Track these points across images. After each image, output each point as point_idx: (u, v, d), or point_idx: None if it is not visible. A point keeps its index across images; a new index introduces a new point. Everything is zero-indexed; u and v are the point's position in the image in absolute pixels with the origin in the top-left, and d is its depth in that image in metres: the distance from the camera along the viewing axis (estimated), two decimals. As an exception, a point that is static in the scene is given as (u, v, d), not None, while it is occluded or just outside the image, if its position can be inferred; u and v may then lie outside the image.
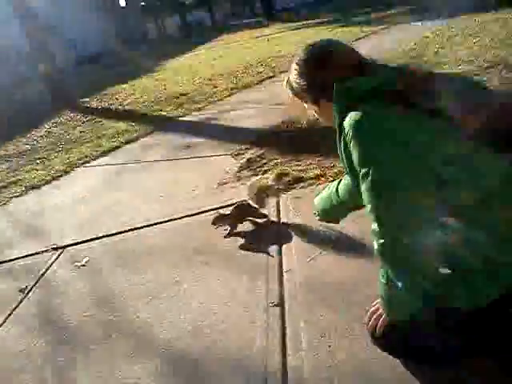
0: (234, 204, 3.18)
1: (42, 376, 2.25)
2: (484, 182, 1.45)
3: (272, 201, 3.26)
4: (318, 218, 2.23)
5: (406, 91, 1.47)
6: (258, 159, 4.13)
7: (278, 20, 22.62)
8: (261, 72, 7.78)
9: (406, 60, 5.88)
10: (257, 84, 7.15)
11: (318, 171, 3.50)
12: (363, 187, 1.45)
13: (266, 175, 3.69)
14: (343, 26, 11.25)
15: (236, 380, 1.89)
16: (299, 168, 3.67)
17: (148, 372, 2.08)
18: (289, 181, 3.51)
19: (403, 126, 1.43)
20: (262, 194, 3.02)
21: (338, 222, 2.24)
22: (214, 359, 2.04)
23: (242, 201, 3.10)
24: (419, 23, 9.72)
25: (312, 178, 3.45)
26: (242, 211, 3.01)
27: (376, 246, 1.47)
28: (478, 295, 1.48)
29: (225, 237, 2.96)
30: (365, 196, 1.46)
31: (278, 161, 3.93)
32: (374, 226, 1.46)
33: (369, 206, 1.45)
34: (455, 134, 1.42)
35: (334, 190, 2.05)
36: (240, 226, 3.00)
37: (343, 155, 1.54)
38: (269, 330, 2.11)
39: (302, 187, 3.38)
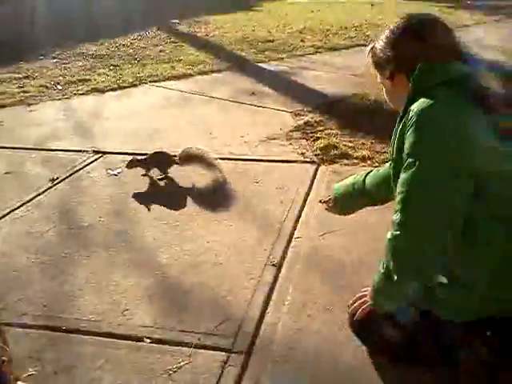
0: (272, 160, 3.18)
1: (44, 259, 2.39)
2: None
3: (311, 169, 3.22)
4: (326, 205, 2.14)
5: (489, 93, 1.40)
6: (315, 124, 4.04)
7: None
8: (352, 37, 7.49)
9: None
10: (344, 49, 6.89)
11: (367, 153, 3.40)
12: (404, 176, 1.40)
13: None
14: (455, 8, 10.53)
15: (213, 319, 1.94)
16: (350, 145, 3.58)
17: (139, 287, 2.16)
18: (335, 154, 3.44)
19: (467, 130, 1.35)
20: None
21: (347, 214, 2.17)
22: (201, 294, 2.10)
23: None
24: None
25: (358, 158, 3.35)
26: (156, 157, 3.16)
27: (389, 236, 1.45)
28: (467, 312, 1.45)
29: (142, 175, 3.16)
30: (401, 185, 1.41)
31: (333, 132, 3.84)
32: (396, 216, 1.42)
33: (400, 196, 1.41)
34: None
35: (362, 178, 1.99)
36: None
37: (396, 137, 1.50)
38: (259, 285, 2.13)
39: (346, 164, 3.30)
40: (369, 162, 3.29)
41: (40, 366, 1.75)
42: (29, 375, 1.68)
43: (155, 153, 3.18)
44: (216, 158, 3.18)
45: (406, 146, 1.40)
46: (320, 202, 2.36)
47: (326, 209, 2.16)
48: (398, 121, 1.51)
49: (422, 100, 1.40)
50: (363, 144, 3.58)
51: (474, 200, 1.37)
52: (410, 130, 1.38)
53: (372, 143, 3.57)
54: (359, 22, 8.67)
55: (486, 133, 1.35)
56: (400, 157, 1.44)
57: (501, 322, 1.44)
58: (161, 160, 3.17)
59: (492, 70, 1.51)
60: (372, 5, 10.62)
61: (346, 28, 8.26)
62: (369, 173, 2.00)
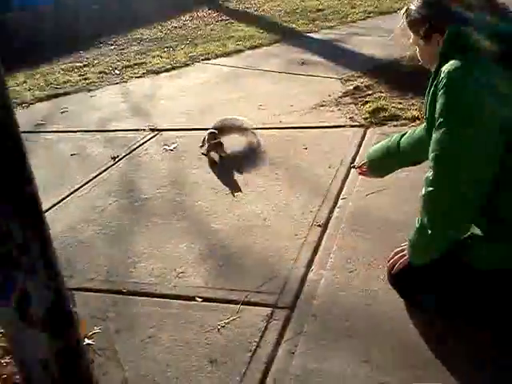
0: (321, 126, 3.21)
1: (107, 231, 2.58)
2: None
3: (359, 132, 3.23)
4: (360, 170, 2.18)
5: None
6: (365, 89, 4.01)
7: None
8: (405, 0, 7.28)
9: None
10: (397, 12, 6.69)
11: (416, 113, 3.35)
12: (435, 135, 1.44)
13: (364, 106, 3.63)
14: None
15: (261, 277, 2.05)
16: (400, 106, 3.54)
17: (192, 251, 2.31)
18: (384, 116, 3.42)
19: (495, 91, 1.38)
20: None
21: (381, 177, 2.19)
22: (250, 256, 2.21)
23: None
24: None
25: (407, 119, 3.32)
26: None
27: (423, 192, 1.49)
28: (499, 261, 1.47)
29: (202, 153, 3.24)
30: (433, 143, 1.45)
31: (383, 95, 3.80)
32: (430, 173, 1.47)
33: (432, 154, 1.45)
34: None
35: (397, 140, 1.99)
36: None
37: (428, 99, 1.52)
38: (305, 245, 2.21)
39: (395, 125, 3.28)
40: (418, 121, 3.24)
41: (104, 325, 1.92)
42: (94, 333, 1.86)
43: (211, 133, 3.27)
44: (250, 125, 3.35)
45: (438, 106, 1.42)
46: (353, 167, 2.40)
47: (360, 173, 2.20)
48: (429, 82, 1.52)
49: (452, 62, 1.42)
50: (413, 105, 3.53)
51: (507, 152, 1.38)
52: (441, 92, 1.41)
53: (421, 103, 3.49)
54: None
55: None
56: (433, 117, 1.47)
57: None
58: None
59: None
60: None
61: (398, -9, 7.98)
62: (403, 135, 2.00)
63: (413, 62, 4.42)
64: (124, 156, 3.44)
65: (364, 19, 6.55)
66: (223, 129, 3.33)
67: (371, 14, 6.69)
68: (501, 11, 1.50)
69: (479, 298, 1.53)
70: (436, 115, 1.43)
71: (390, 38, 5.52)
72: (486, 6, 1.50)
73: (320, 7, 7.44)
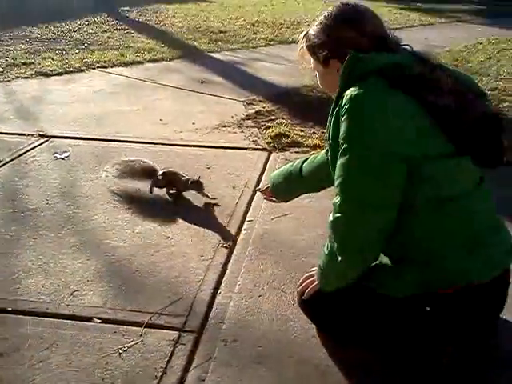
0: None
1: (-13, 242, 2.29)
2: (458, 186, 1.47)
3: (263, 156, 3.26)
4: (264, 194, 2.21)
5: (417, 79, 1.43)
6: (266, 114, 4.08)
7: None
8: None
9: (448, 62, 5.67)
10: (296, 42, 6.95)
11: (317, 141, 3.47)
12: (340, 161, 1.45)
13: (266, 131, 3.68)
14: (404, 9, 10.84)
15: (165, 299, 1.93)
16: (301, 133, 3.64)
17: (86, 269, 2.12)
18: (287, 142, 3.49)
19: (398, 116, 1.41)
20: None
21: (286, 201, 2.23)
22: (153, 275, 2.08)
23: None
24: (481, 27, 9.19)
25: (309, 146, 3.42)
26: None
27: (331, 218, 1.50)
28: (405, 287, 1.51)
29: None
30: (338, 169, 1.46)
31: (284, 121, 3.89)
32: (337, 199, 1.47)
33: (338, 180, 1.46)
34: (442, 136, 1.42)
35: (299, 166, 2.03)
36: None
37: (331, 123, 1.52)
38: (211, 266, 2.13)
39: (297, 152, 3.35)
40: (319, 149, 3.34)
41: (-15, 347, 1.69)
42: (-28, 357, 1.62)
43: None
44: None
45: (341, 131, 1.43)
46: (258, 190, 2.41)
47: (265, 198, 2.21)
48: (332, 107, 1.53)
49: (353, 88, 1.44)
50: (314, 133, 3.65)
51: (409, 183, 1.41)
52: (344, 117, 1.42)
53: (323, 132, 3.63)
54: (312, 17, 8.74)
55: (416, 118, 1.41)
56: (336, 142, 1.48)
57: (439, 297, 1.51)
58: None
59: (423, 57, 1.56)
60: (325, 2, 10.78)
61: (298, 22, 8.36)
62: (305, 160, 2.04)
63: (312, 91, 4.66)
64: (8, 162, 3.12)
65: (265, 46, 6.74)
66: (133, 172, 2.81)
67: (272, 42, 6.91)
68: (394, 42, 1.56)
69: (392, 326, 1.57)
70: (340, 140, 1.44)
71: (290, 66, 5.72)
72: (380, 35, 1.55)
73: (222, 29, 7.54)
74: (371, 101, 1.42)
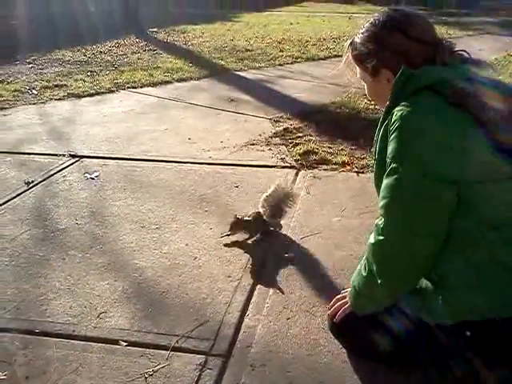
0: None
1: (18, 262, 2.31)
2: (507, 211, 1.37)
3: (291, 174, 3.22)
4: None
5: (471, 96, 1.34)
6: (294, 131, 4.05)
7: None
8: (331, 48, 7.60)
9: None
10: (322, 59, 6.98)
11: (346, 158, 3.42)
12: (387, 181, 1.38)
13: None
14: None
15: (192, 321, 1.90)
16: (329, 151, 3.59)
17: (113, 290, 2.11)
18: (315, 159, 3.44)
19: (450, 136, 1.32)
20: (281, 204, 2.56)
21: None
22: (179, 297, 2.05)
23: (257, 213, 2.52)
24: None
25: (337, 164, 3.36)
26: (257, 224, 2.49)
27: (372, 240, 1.43)
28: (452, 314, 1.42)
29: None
30: (384, 190, 1.39)
31: (312, 138, 3.85)
32: (380, 221, 1.41)
33: (383, 201, 1.40)
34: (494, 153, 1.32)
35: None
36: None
37: (379, 138, 1.46)
38: (239, 288, 2.09)
39: (325, 169, 3.31)
40: (348, 167, 3.30)
41: (11, 370, 1.67)
42: (-1, 380, 1.62)
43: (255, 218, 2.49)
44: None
45: (389, 150, 1.37)
46: None
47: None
48: (380, 121, 1.47)
49: (405, 104, 1.37)
50: (342, 150, 3.59)
51: (458, 207, 1.34)
52: (393, 135, 1.36)
53: (351, 149, 3.59)
54: (337, 34, 8.79)
55: (470, 138, 1.32)
56: (382, 158, 1.42)
57: (479, 324, 1.42)
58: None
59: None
60: (349, 18, 10.79)
61: (324, 39, 8.37)
62: None
63: (341, 108, 4.62)
64: (40, 182, 3.16)
65: (291, 63, 6.75)
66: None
67: (298, 59, 6.91)
68: (446, 51, 1.47)
69: (430, 350, 1.48)
70: (387, 159, 1.38)
71: (317, 82, 5.69)
72: (432, 41, 1.48)
73: (249, 47, 7.59)
74: (422, 120, 1.35)
